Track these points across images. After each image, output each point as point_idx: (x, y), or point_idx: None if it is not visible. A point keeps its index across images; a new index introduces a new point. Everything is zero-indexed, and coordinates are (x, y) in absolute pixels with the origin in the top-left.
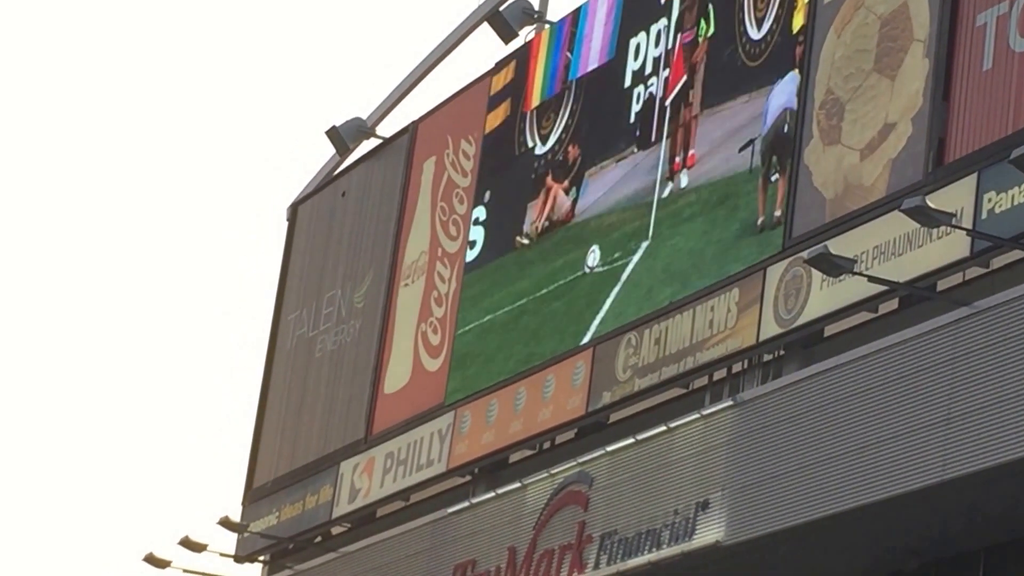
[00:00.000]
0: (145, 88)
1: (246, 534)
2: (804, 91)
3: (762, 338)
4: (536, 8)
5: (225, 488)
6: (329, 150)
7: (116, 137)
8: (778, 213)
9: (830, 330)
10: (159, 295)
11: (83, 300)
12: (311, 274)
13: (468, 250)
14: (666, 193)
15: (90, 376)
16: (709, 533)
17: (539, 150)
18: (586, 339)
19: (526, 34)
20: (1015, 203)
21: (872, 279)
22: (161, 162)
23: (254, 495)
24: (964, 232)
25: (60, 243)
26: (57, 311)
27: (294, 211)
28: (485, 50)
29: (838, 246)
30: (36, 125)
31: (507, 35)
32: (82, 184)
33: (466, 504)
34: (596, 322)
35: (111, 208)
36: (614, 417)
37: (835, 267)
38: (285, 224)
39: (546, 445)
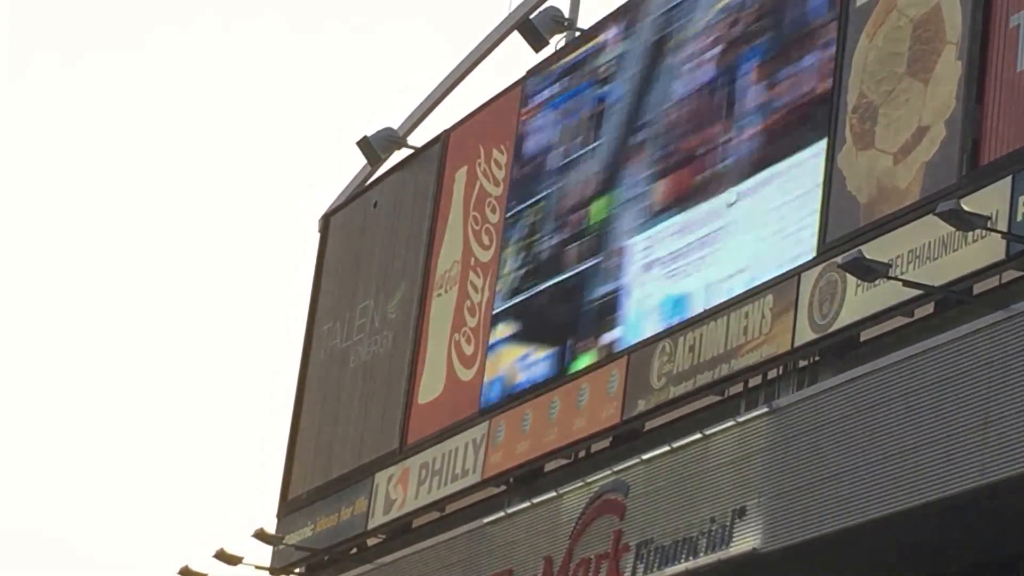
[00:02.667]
0: (174, 99)
1: (281, 546)
2: (836, 96)
3: (797, 344)
4: (566, 16)
5: (260, 501)
6: (360, 161)
7: (146, 150)
8: None
9: (865, 335)
10: (191, 307)
11: (115, 312)
12: (343, 285)
13: None
14: None
15: (123, 389)
16: (746, 540)
17: None
18: None
19: (556, 42)
20: None
21: (907, 283)
22: (192, 174)
23: (289, 507)
24: (999, 235)
25: (88, 257)
26: (87, 325)
27: (326, 222)
28: (515, 59)
29: (872, 250)
30: (66, 136)
31: (537, 43)
32: (112, 196)
33: (502, 514)
34: None
35: (141, 221)
36: (649, 425)
37: (869, 272)
38: (317, 235)
39: (581, 454)
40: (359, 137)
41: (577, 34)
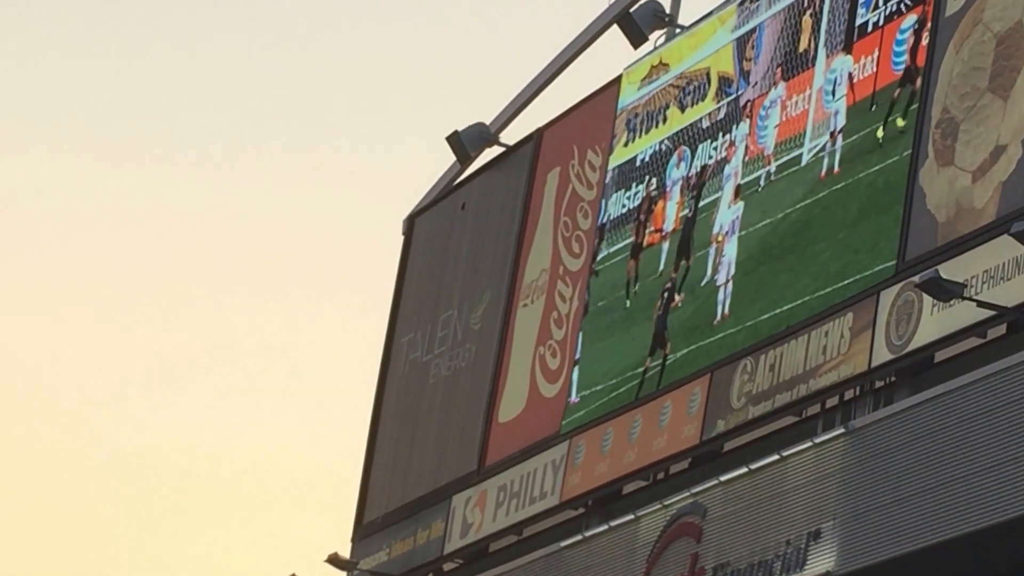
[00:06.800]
0: (257, 90)
1: (356, 572)
2: (922, 109)
3: (874, 364)
4: (667, 11)
5: (335, 524)
6: (449, 157)
7: (228, 145)
8: None
9: (940, 356)
10: (269, 316)
11: (191, 322)
12: (427, 293)
13: None
14: None
15: (193, 407)
16: (821, 563)
17: None
18: None
19: (656, 38)
20: None
21: (981, 304)
22: (273, 165)
23: (364, 531)
24: None
25: (163, 261)
26: (164, 331)
27: (411, 223)
28: (614, 54)
29: (949, 270)
30: (141, 130)
31: (637, 39)
32: (190, 196)
33: (579, 537)
34: None
35: (218, 221)
36: (728, 446)
37: (945, 292)
38: (401, 237)
39: (659, 475)
40: (449, 131)
41: (677, 31)
